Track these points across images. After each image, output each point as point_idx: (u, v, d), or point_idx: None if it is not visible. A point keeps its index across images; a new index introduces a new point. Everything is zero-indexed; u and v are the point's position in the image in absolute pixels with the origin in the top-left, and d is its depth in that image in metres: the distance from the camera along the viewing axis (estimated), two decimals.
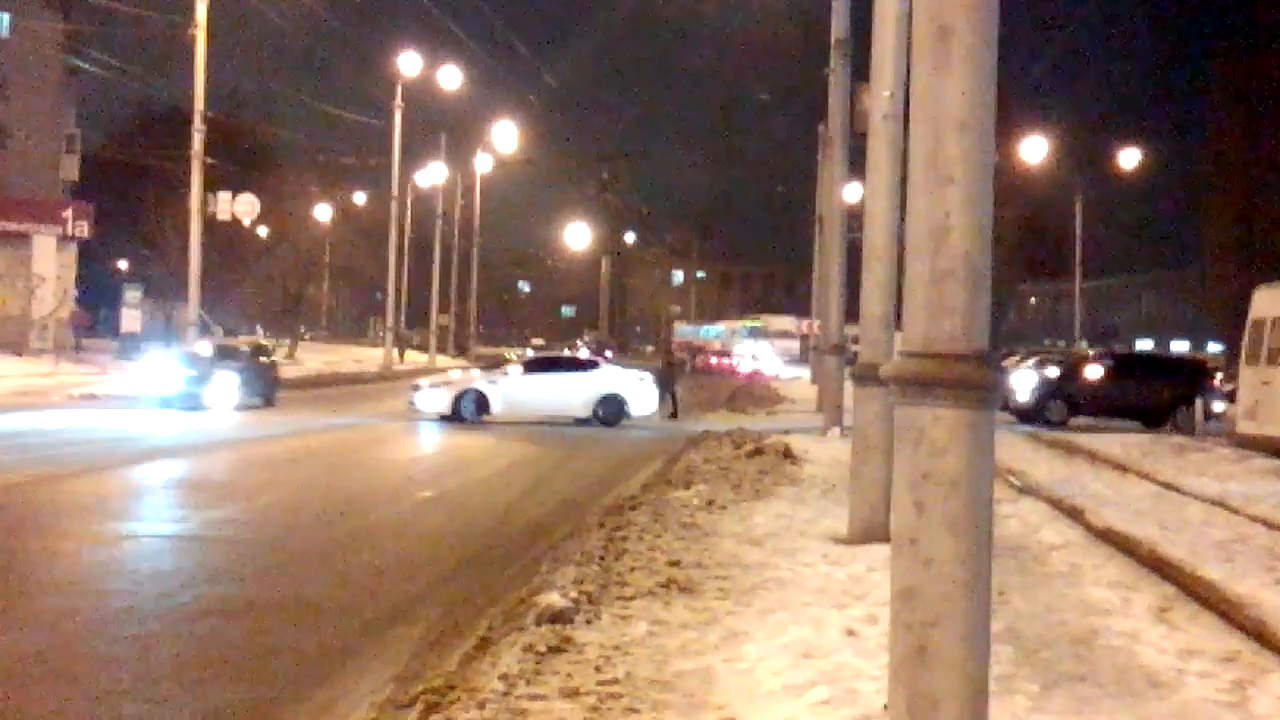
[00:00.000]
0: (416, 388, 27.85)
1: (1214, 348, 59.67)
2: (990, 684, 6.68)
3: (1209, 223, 67.17)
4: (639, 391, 27.69)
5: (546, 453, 21.64)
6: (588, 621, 8.01)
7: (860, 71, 11.49)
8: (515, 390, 27.00)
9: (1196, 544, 11.32)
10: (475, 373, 30.01)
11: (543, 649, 7.17)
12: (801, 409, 33.67)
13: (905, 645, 4.74)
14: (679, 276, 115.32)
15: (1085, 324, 76.02)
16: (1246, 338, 22.11)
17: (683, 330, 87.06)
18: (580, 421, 26.96)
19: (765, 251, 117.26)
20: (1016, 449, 22.00)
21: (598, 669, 6.80)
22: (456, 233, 68.18)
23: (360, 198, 66.57)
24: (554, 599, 8.38)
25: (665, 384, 29.59)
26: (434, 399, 26.98)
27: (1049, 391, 30.81)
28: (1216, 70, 65.69)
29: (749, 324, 78.52)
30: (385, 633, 8.74)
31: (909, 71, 4.88)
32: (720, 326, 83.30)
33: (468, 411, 26.29)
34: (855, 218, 22.96)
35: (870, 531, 11.34)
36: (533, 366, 29.14)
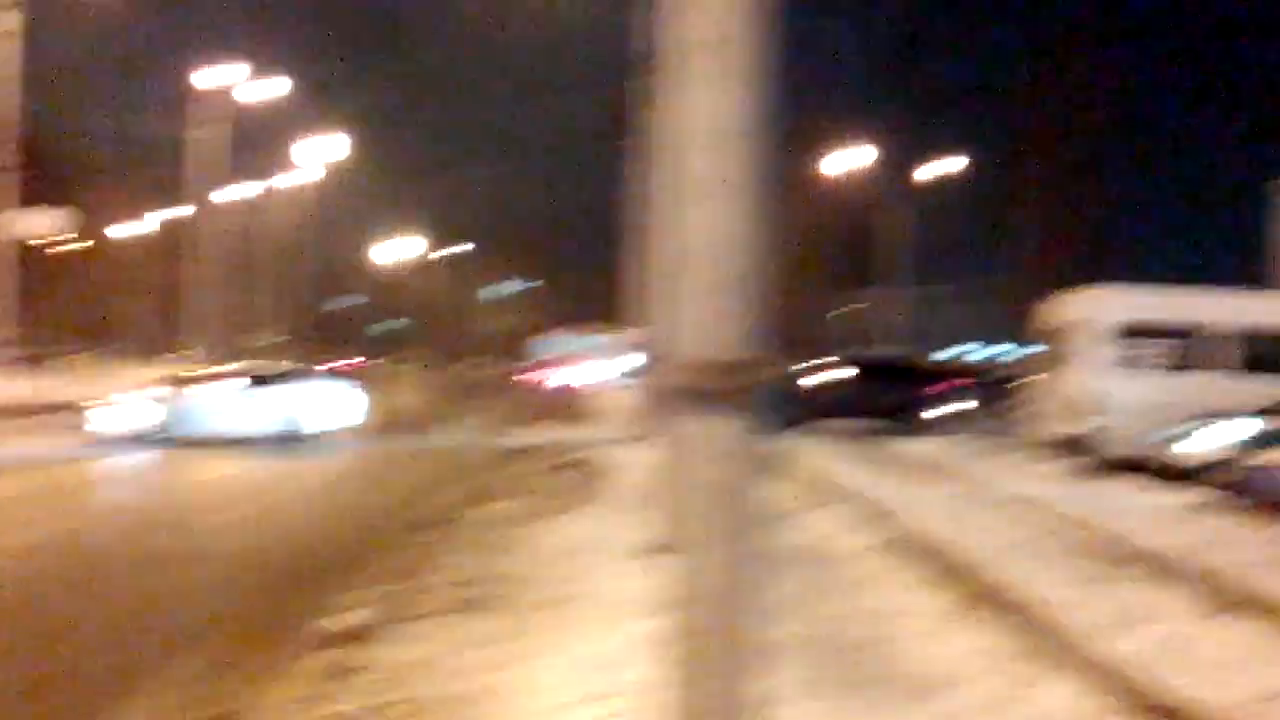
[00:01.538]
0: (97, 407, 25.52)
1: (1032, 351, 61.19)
2: (779, 691, 6.81)
3: (1019, 228, 69.03)
4: (331, 404, 27.03)
5: (351, 471, 21.33)
6: (381, 642, 7.90)
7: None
8: (193, 406, 25.64)
9: (996, 545, 11.60)
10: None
11: (331, 671, 7.04)
12: (620, 420, 33.72)
13: (678, 659, 4.72)
14: (513, 287, 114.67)
15: (907, 330, 77.82)
16: (1046, 343, 22.85)
17: (551, 342, 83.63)
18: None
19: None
20: (827, 455, 22.35)
21: (382, 690, 6.69)
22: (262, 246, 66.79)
23: (177, 212, 64.96)
24: (348, 620, 8.25)
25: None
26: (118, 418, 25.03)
27: (790, 398, 30.48)
28: (1021, 81, 67.50)
29: (594, 335, 76.72)
30: (169, 660, 8.46)
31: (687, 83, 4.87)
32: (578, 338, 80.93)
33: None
34: None
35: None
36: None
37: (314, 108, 59.31)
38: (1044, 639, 8.06)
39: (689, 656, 4.66)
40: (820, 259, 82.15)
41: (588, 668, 7.03)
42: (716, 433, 4.63)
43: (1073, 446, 20.40)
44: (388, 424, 30.75)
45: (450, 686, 6.89)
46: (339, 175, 65.51)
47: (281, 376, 27.78)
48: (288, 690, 6.88)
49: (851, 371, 32.07)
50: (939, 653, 7.77)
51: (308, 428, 26.19)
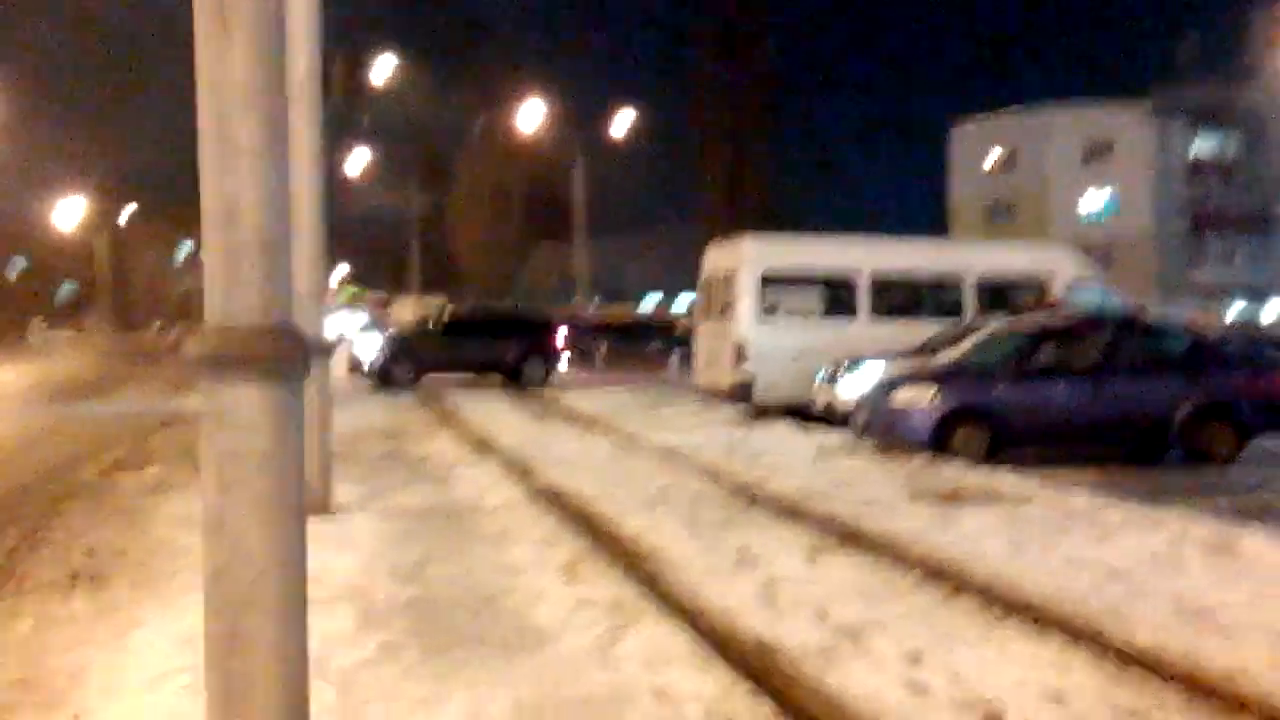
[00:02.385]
0: None
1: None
2: (373, 653, 6.77)
3: (702, 180, 70.53)
4: None
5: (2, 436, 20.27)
6: None
7: None
8: None
9: (630, 496, 11.79)
10: None
11: None
12: None
13: (218, 629, 4.60)
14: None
15: (599, 281, 78.56)
16: (700, 293, 23.43)
17: None
18: None
19: None
20: (496, 411, 22.41)
21: None
22: None
23: None
24: None
25: None
26: None
27: (395, 353, 30.85)
28: (701, 30, 68.80)
29: (346, 292, 73.30)
30: None
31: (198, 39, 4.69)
32: None
33: None
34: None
35: (311, 506, 11.20)
36: None
37: None
38: (654, 588, 8.26)
39: (228, 630, 4.58)
40: (510, 214, 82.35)
41: (177, 642, 6.83)
42: (248, 400, 4.54)
43: (731, 394, 21.00)
44: (49, 392, 29.39)
45: (39, 666, 6.62)
46: None
47: None
48: None
49: (459, 325, 32.08)
50: (551, 606, 7.83)
51: None
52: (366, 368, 31.10)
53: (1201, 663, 6.24)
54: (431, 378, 30.95)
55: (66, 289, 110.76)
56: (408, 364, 30.49)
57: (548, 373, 31.32)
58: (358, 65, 40.35)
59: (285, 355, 4.57)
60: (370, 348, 31.04)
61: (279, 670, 4.62)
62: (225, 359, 4.53)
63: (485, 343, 31.30)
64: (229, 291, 4.54)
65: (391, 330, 33.52)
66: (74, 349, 61.00)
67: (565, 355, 32.34)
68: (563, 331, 33.14)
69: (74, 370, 42.56)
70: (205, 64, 4.55)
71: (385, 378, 30.10)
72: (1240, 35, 71.44)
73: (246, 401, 4.53)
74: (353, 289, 73.48)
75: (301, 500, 4.74)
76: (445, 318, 32.27)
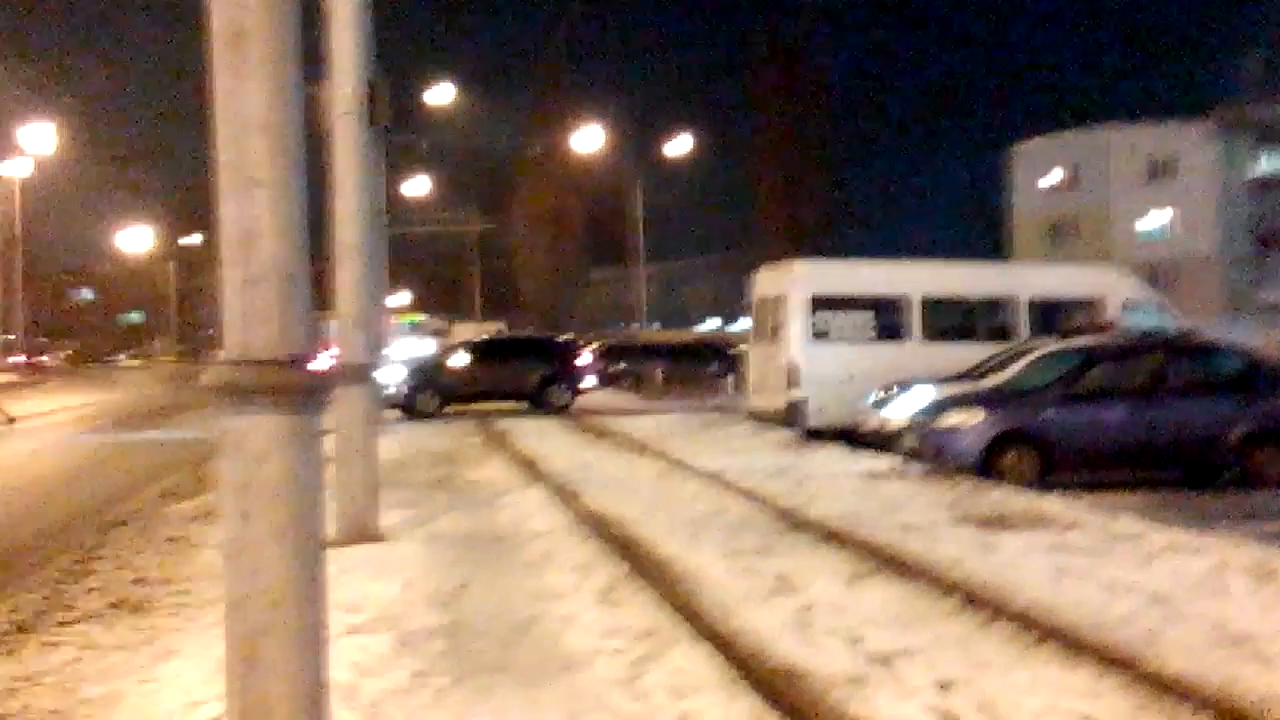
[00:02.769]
0: None
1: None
2: (405, 682, 6.81)
3: (760, 203, 70.43)
4: None
5: (60, 466, 20.57)
6: (10, 652, 7.65)
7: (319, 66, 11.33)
8: None
9: (672, 521, 11.79)
10: None
11: None
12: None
13: (236, 655, 4.67)
14: None
15: (659, 305, 78.75)
16: (753, 316, 23.40)
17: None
18: None
19: None
20: (549, 435, 22.48)
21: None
22: None
23: None
24: None
25: None
26: None
27: (419, 383, 30.40)
28: (759, 53, 68.76)
29: (408, 320, 73.34)
30: None
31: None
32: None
33: None
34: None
35: (358, 532, 11.31)
36: None
37: (23, 97, 56.79)
38: (688, 614, 8.25)
39: (247, 656, 4.63)
40: (570, 238, 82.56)
41: (211, 671, 6.90)
42: (265, 431, 4.60)
43: (780, 418, 20.96)
44: (109, 420, 29.80)
45: (74, 695, 6.72)
46: (53, 166, 62.86)
47: None
48: None
49: (482, 352, 32.06)
50: (583, 633, 7.85)
51: None
52: (390, 397, 30.29)
53: (1236, 690, 6.16)
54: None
55: (133, 317, 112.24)
56: (431, 393, 30.26)
57: (573, 397, 31.25)
58: (412, 90, 40.72)
59: (301, 386, 4.63)
60: (394, 377, 30.77)
61: (297, 697, 4.67)
62: (241, 390, 4.59)
63: (509, 370, 31.24)
64: (246, 323, 4.61)
65: (413, 359, 33.37)
66: (138, 376, 61.75)
67: (592, 379, 32.08)
68: (587, 355, 33.07)
69: (136, 397, 43.08)
70: (221, 96, 4.63)
71: (409, 409, 29.74)
72: None
73: (263, 432, 4.59)
74: (418, 318, 73.46)
75: (320, 528, 4.80)
76: (468, 347, 32.32)
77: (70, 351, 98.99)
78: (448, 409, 30.24)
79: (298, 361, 4.64)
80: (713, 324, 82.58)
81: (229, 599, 4.65)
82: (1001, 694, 6.21)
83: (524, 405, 31.23)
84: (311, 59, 11.38)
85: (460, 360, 31.48)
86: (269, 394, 4.58)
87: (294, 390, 4.61)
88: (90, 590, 9.55)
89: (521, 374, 31.11)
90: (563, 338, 35.18)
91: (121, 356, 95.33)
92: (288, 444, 4.60)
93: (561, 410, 30.36)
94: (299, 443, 4.62)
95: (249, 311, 4.60)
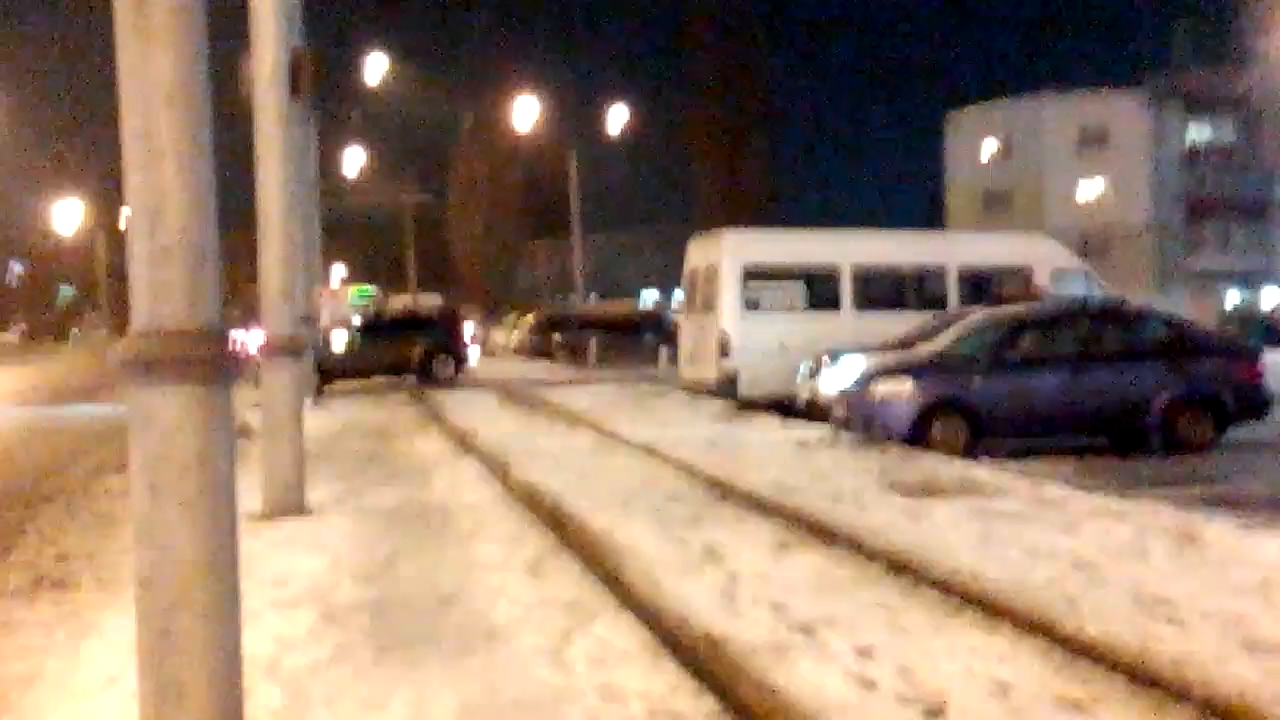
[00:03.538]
0: None
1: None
2: (328, 655, 6.77)
3: (698, 176, 70.48)
4: None
5: None
6: None
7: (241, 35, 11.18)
8: None
9: (604, 492, 11.78)
10: None
11: None
12: None
13: (149, 632, 4.61)
14: None
15: (597, 278, 78.58)
16: (684, 287, 23.41)
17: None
18: None
19: None
20: (484, 408, 22.42)
21: None
22: None
23: None
24: None
25: None
26: None
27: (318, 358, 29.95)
28: (695, 26, 68.76)
29: (359, 292, 71.38)
30: None
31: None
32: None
33: None
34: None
35: (285, 506, 11.25)
36: None
37: None
38: (615, 585, 8.27)
39: (160, 633, 4.57)
40: (507, 211, 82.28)
41: (130, 648, 6.83)
42: (174, 404, 4.53)
43: (713, 390, 21.01)
44: (38, 395, 29.46)
45: None
46: None
47: None
48: None
49: (364, 329, 32.00)
50: (510, 605, 7.85)
51: None
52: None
53: (1151, 652, 6.23)
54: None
55: (65, 293, 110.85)
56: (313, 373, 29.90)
57: (457, 370, 31.18)
58: (346, 61, 40.34)
59: (211, 358, 4.57)
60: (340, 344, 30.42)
61: (211, 672, 4.62)
62: (149, 362, 4.52)
63: (391, 344, 31.06)
64: (154, 294, 4.53)
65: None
66: (70, 351, 61.08)
67: (475, 350, 32.30)
68: (469, 326, 33.09)
69: (67, 373, 42.62)
70: (126, 65, 4.54)
71: None
72: (1235, 21, 71.43)
73: (172, 405, 4.52)
74: (368, 289, 72.49)
75: (233, 503, 4.74)
76: (344, 326, 32.18)
77: (24, 327, 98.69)
78: (333, 385, 29.73)
79: (207, 333, 4.58)
80: (651, 296, 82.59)
81: (139, 575, 4.59)
82: (920, 659, 6.25)
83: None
84: (240, 30, 11.26)
85: (342, 338, 31.26)
86: (177, 366, 4.52)
87: (203, 362, 4.55)
88: (11, 566, 9.46)
89: (404, 348, 30.91)
90: (447, 311, 35.04)
91: (75, 331, 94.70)
92: (197, 417, 4.54)
93: (447, 383, 30.17)
94: (208, 416, 4.56)
95: (157, 283, 4.53)
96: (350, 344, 30.81)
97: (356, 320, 34.71)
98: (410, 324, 32.62)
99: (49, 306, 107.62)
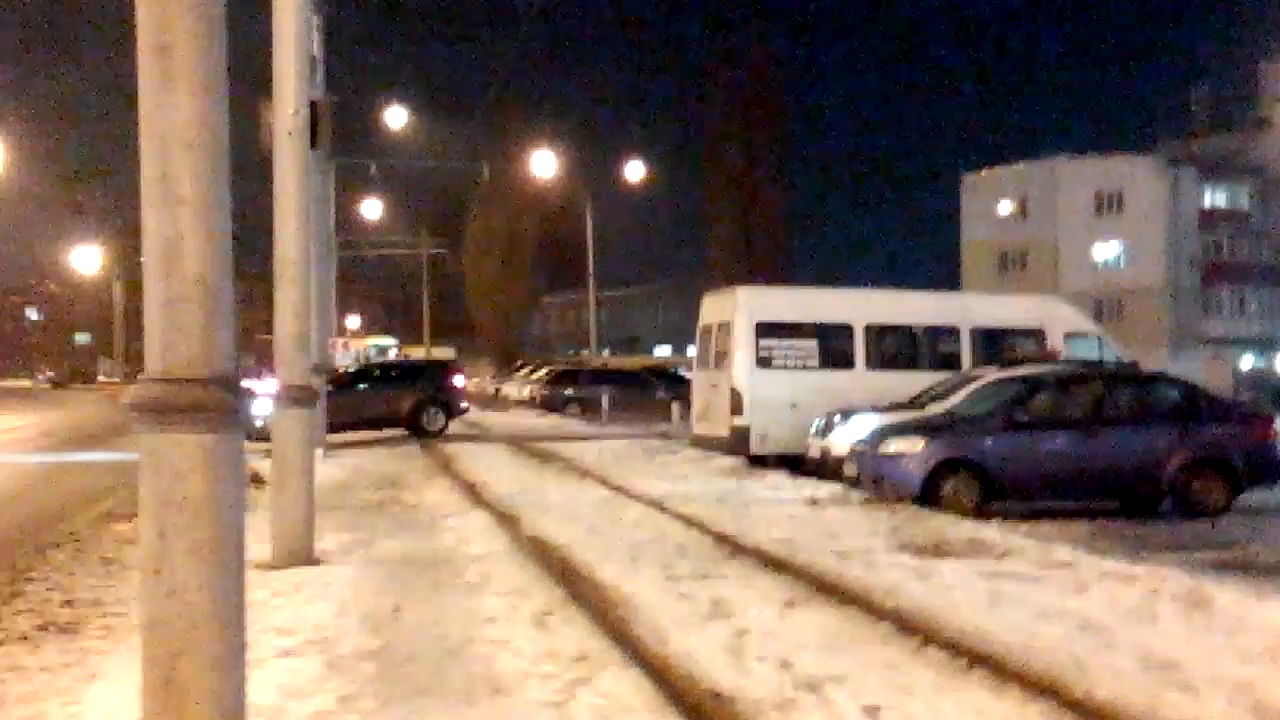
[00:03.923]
0: None
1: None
2: (331, 705, 6.75)
3: (713, 231, 70.83)
4: None
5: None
6: None
7: (264, 86, 11.28)
8: None
9: (612, 546, 11.77)
10: None
11: None
12: None
13: (153, 677, 4.61)
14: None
15: (611, 332, 78.80)
16: (698, 343, 23.43)
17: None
18: None
19: None
20: (495, 460, 22.41)
21: None
22: None
23: None
24: None
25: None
26: None
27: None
28: (714, 83, 69.28)
29: (375, 342, 71.03)
30: None
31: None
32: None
33: None
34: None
35: (294, 555, 11.23)
36: None
37: None
38: (622, 639, 8.24)
39: (165, 678, 4.57)
40: (522, 264, 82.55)
41: (135, 694, 6.82)
42: (185, 450, 4.55)
43: (724, 445, 20.97)
44: (52, 441, 29.52)
45: None
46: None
47: None
48: None
49: (355, 379, 31.68)
50: (518, 655, 7.82)
51: None
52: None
53: (1159, 716, 6.20)
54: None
55: (81, 339, 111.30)
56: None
57: (447, 421, 30.71)
58: (365, 113, 40.64)
59: (223, 406, 4.58)
60: (263, 408, 29.85)
61: (215, 718, 4.61)
62: (161, 408, 4.53)
63: (381, 396, 30.60)
64: (168, 339, 4.55)
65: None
66: (85, 397, 61.23)
67: (465, 403, 31.72)
68: (460, 378, 32.36)
69: (81, 418, 42.70)
70: (147, 110, 4.58)
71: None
72: (1251, 87, 71.73)
73: (183, 451, 4.53)
74: (387, 340, 72.39)
75: (241, 549, 4.75)
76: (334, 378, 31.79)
77: (52, 374, 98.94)
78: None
79: (219, 380, 4.60)
80: (664, 351, 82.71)
81: (146, 620, 4.60)
82: (928, 719, 6.22)
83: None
84: (263, 79, 11.35)
85: (332, 390, 30.88)
86: (189, 413, 4.53)
87: (214, 410, 4.56)
88: (19, 612, 9.42)
89: (395, 399, 30.48)
90: (437, 362, 34.67)
91: (101, 377, 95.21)
92: (208, 463, 4.55)
93: (437, 435, 29.76)
94: (219, 462, 4.58)
95: (170, 329, 4.55)
96: (341, 395, 29.20)
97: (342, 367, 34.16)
98: (399, 375, 32.35)
99: (71, 352, 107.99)
